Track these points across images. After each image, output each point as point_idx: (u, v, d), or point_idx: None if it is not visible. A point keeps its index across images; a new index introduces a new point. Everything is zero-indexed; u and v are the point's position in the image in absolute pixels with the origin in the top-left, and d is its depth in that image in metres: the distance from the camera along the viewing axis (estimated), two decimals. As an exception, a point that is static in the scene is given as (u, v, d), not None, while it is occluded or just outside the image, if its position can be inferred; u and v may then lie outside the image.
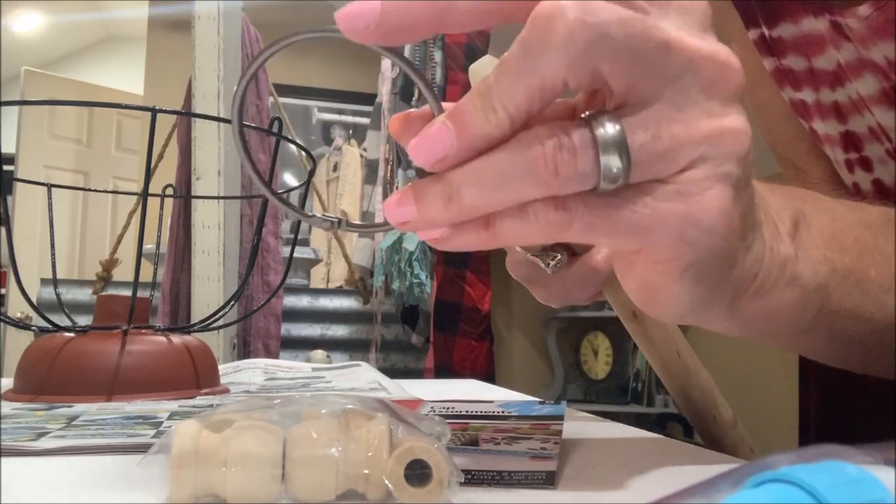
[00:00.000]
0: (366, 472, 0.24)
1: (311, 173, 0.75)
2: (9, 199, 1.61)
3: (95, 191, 0.93)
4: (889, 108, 0.48)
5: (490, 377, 2.55)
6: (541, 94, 0.23)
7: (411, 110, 0.27)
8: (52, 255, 0.70)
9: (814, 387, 0.67)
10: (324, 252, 3.18)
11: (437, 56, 2.54)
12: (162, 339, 0.58)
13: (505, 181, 0.23)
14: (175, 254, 1.81)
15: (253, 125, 0.79)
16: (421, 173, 0.25)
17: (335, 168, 3.57)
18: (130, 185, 3.82)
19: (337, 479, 0.24)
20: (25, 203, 3.57)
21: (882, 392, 0.48)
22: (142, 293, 0.60)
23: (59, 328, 0.58)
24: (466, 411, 0.41)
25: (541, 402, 0.42)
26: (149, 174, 0.59)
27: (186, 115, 1.71)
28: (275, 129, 0.61)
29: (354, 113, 3.82)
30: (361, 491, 0.24)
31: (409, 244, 2.35)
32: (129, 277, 0.65)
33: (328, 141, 3.79)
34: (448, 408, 0.42)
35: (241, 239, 1.65)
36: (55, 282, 0.70)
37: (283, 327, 2.04)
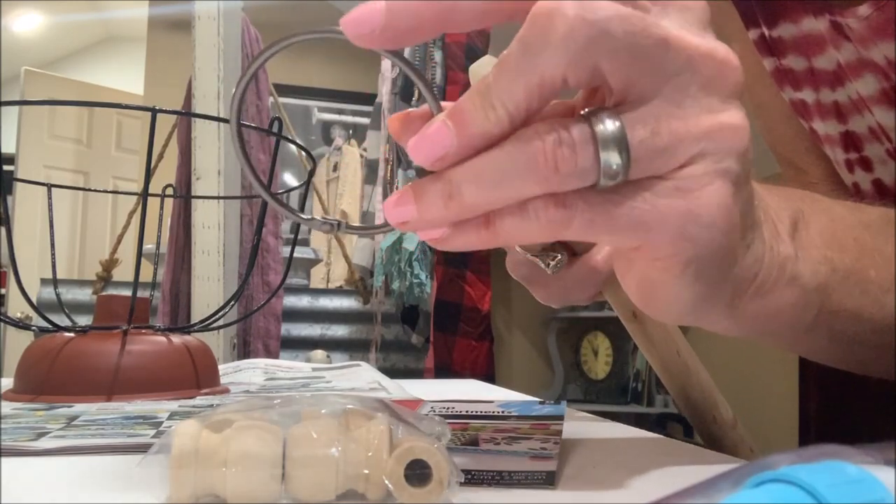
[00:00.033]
0: (366, 472, 0.24)
1: (311, 173, 0.75)
2: (9, 199, 1.61)
3: (95, 191, 0.93)
4: (889, 108, 0.48)
5: (490, 377, 2.55)
6: (540, 92, 0.23)
7: (410, 109, 0.27)
8: (52, 255, 0.70)
9: (814, 387, 0.67)
10: (324, 252, 3.18)
11: (437, 56, 2.55)
12: (162, 339, 0.58)
13: (505, 178, 0.23)
14: (175, 254, 1.81)
15: (253, 125, 0.79)
16: (421, 173, 0.25)
17: (335, 168, 3.57)
18: (130, 185, 3.82)
19: (337, 479, 0.24)
20: (25, 203, 3.57)
21: (882, 392, 0.48)
22: (142, 293, 0.60)
23: (59, 328, 0.58)
24: (466, 411, 0.41)
25: (541, 402, 0.42)
26: (149, 174, 0.59)
27: (186, 115, 1.71)
28: (275, 129, 0.61)
29: (354, 113, 3.82)
30: (361, 491, 0.24)
31: (409, 244, 2.35)
32: (129, 277, 0.65)
33: (328, 141, 3.79)
34: (448, 408, 0.42)
35: (241, 239, 1.65)
36: (55, 282, 0.70)
37: (283, 327, 2.04)
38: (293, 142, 0.71)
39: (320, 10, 3.07)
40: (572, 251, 0.37)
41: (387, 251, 2.40)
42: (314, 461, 0.24)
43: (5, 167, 2.37)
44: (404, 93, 2.51)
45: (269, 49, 0.26)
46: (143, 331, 0.59)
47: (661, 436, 0.42)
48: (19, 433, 0.38)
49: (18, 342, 2.89)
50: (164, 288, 1.81)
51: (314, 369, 0.79)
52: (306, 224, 0.28)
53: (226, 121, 0.87)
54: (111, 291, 2.18)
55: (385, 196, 2.56)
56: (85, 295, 2.26)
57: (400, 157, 2.48)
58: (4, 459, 0.33)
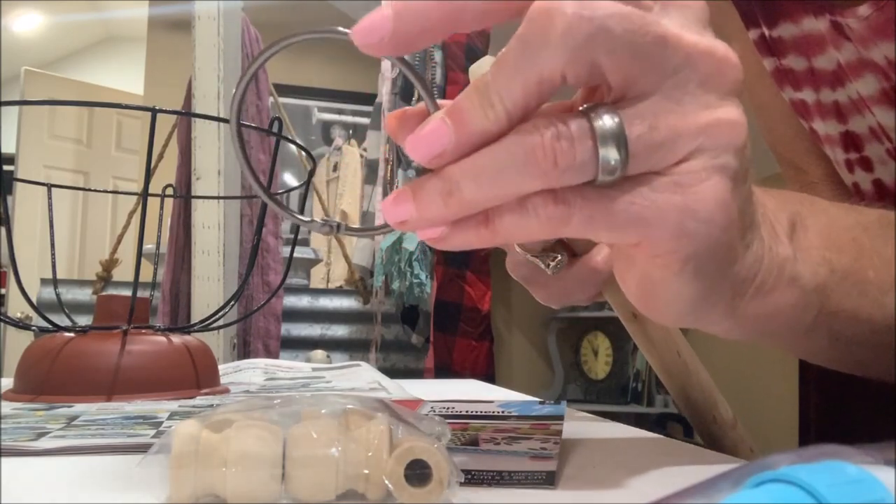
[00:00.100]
0: (366, 472, 0.24)
1: (311, 173, 0.75)
2: (9, 199, 1.61)
3: (95, 191, 0.93)
4: (889, 108, 0.48)
5: (490, 377, 2.55)
6: (538, 89, 0.23)
7: (407, 108, 0.27)
8: (52, 255, 0.70)
9: (814, 387, 0.67)
10: (324, 252, 3.18)
11: (437, 56, 2.55)
12: (162, 339, 0.58)
13: (504, 173, 0.23)
14: (175, 254, 1.81)
15: (253, 125, 0.79)
16: (421, 174, 0.25)
17: (335, 168, 3.57)
18: (130, 185, 3.82)
19: (337, 479, 0.24)
20: (25, 203, 3.57)
21: (882, 393, 0.48)
22: (142, 293, 0.60)
23: (59, 328, 0.58)
24: (466, 411, 0.41)
25: (541, 402, 0.42)
26: (149, 174, 0.59)
27: (186, 115, 1.71)
28: (275, 129, 0.61)
29: (354, 113, 3.82)
30: (361, 491, 0.24)
31: (409, 244, 2.35)
32: (129, 277, 0.65)
33: (328, 141, 3.79)
34: (448, 408, 0.42)
35: (241, 239, 1.65)
36: (55, 282, 0.70)
37: (283, 327, 2.04)
38: (293, 142, 0.71)
39: (320, 10, 3.07)
40: (572, 252, 0.37)
41: (387, 251, 2.40)
42: (314, 461, 0.24)
43: (5, 167, 2.38)
44: (404, 93, 2.51)
45: (269, 49, 0.26)
46: (143, 331, 0.59)
47: (661, 436, 0.42)
48: (19, 433, 0.39)
49: (18, 342, 2.89)
50: (164, 288, 1.81)
51: (314, 369, 0.79)
52: (305, 226, 0.28)
53: (226, 121, 0.87)
54: (111, 291, 2.18)
55: (385, 196, 2.55)
56: (85, 295, 2.26)
57: (400, 157, 2.48)
58: (4, 459, 0.33)
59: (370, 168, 2.76)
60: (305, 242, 2.95)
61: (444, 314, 2.55)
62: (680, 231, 0.24)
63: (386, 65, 2.62)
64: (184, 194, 1.67)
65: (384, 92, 2.59)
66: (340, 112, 3.88)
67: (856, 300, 0.33)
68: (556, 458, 0.31)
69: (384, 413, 0.26)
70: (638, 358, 3.17)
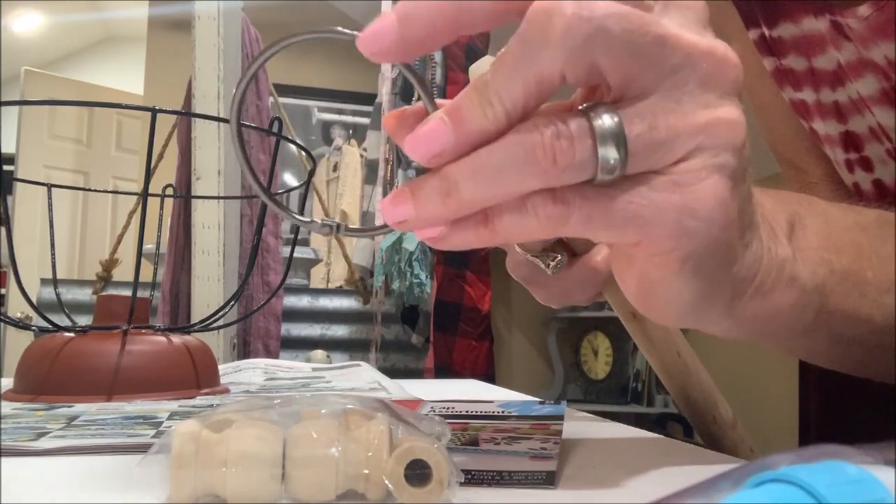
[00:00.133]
0: (366, 472, 0.24)
1: (311, 173, 0.75)
2: (9, 199, 1.61)
3: (95, 191, 0.93)
4: (889, 108, 0.48)
5: (490, 377, 2.55)
6: (538, 89, 0.23)
7: (406, 107, 0.27)
8: (52, 255, 0.70)
9: (814, 387, 0.67)
10: (324, 252, 3.18)
11: (437, 56, 2.55)
12: (162, 339, 0.58)
13: (503, 172, 0.23)
14: (175, 254, 1.81)
15: (253, 125, 0.79)
16: (421, 174, 0.25)
17: (335, 168, 3.57)
18: (130, 185, 3.82)
19: (337, 479, 0.24)
20: (25, 203, 3.57)
21: (882, 393, 0.48)
22: (142, 293, 0.60)
23: (59, 328, 0.58)
24: (466, 411, 0.41)
25: (541, 402, 0.42)
26: (149, 174, 0.59)
27: (186, 115, 1.71)
28: (275, 129, 0.61)
29: (354, 113, 3.82)
30: (361, 491, 0.24)
31: (409, 244, 2.35)
32: (129, 277, 0.65)
33: (328, 141, 3.79)
34: (448, 408, 0.42)
35: (241, 239, 1.65)
36: (55, 282, 0.70)
37: (283, 327, 2.04)
38: (293, 142, 0.71)
39: (320, 10, 3.07)
40: (572, 252, 0.37)
41: (387, 251, 2.40)
42: (314, 461, 0.24)
43: (5, 167, 2.38)
44: (404, 93, 2.51)
45: (269, 49, 0.26)
46: (143, 331, 0.59)
47: (661, 436, 0.42)
48: (19, 433, 0.39)
49: (18, 342, 2.89)
50: (164, 288, 1.81)
51: (314, 369, 0.79)
52: (305, 227, 0.28)
53: (226, 121, 0.87)
54: (111, 291, 2.18)
55: (385, 196, 2.55)
56: (85, 295, 2.26)
57: (400, 157, 2.48)
58: (4, 459, 0.33)
59: (370, 168, 2.76)
60: (305, 242, 2.95)
61: (444, 314, 2.55)
62: (679, 230, 0.24)
63: (386, 65, 2.62)
64: (184, 194, 1.67)
65: (384, 92, 2.59)
66: (340, 112, 3.88)
67: (855, 300, 0.33)
68: (556, 458, 0.31)
69: (384, 413, 0.26)
70: (638, 358, 3.17)
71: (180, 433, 0.24)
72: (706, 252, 0.25)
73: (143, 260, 0.65)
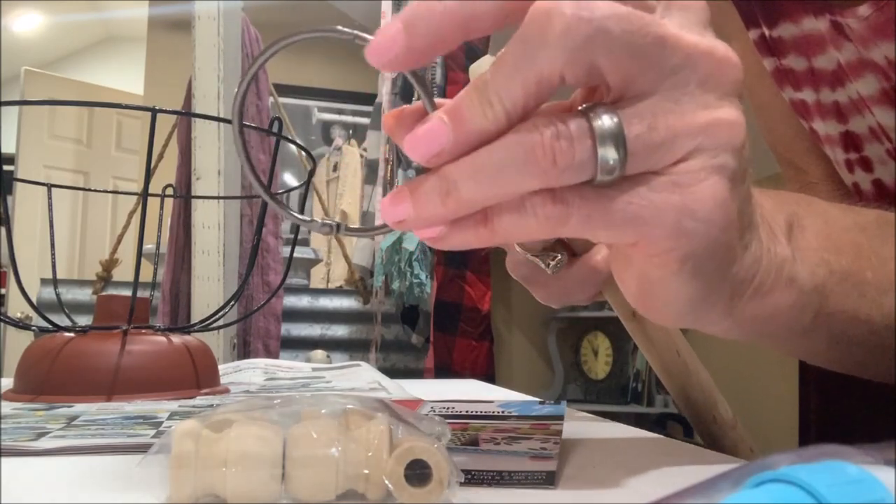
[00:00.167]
0: (366, 472, 0.24)
1: (311, 173, 0.75)
2: (9, 199, 1.61)
3: (95, 191, 0.93)
4: (889, 108, 0.48)
5: (490, 377, 2.55)
6: (537, 89, 0.23)
7: (405, 106, 0.27)
8: (52, 255, 0.70)
9: (814, 387, 0.67)
10: (324, 252, 3.18)
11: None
12: (162, 339, 0.58)
13: (502, 172, 0.23)
14: (175, 254, 1.81)
15: (253, 125, 0.79)
16: (421, 174, 0.25)
17: (335, 168, 3.57)
18: (130, 185, 3.82)
19: (337, 479, 0.24)
20: (25, 203, 3.57)
21: (882, 393, 0.48)
22: (142, 293, 0.60)
23: (59, 328, 0.58)
24: (466, 411, 0.41)
25: (541, 402, 0.42)
26: (149, 174, 0.59)
27: (186, 115, 1.71)
28: (275, 129, 0.61)
29: (354, 113, 3.82)
30: (361, 491, 0.24)
31: (409, 244, 2.35)
32: (129, 277, 0.65)
33: (328, 141, 3.79)
34: (448, 408, 0.42)
35: (241, 239, 1.65)
36: (55, 282, 0.70)
37: (283, 327, 2.04)
38: (293, 142, 0.71)
39: (320, 10, 3.07)
40: (572, 251, 0.37)
41: (387, 251, 2.40)
42: (314, 461, 0.24)
43: (5, 167, 2.38)
44: (404, 93, 2.51)
45: (270, 48, 0.26)
46: (143, 331, 0.59)
47: (661, 436, 0.42)
48: (19, 433, 0.38)
49: (18, 342, 2.89)
50: (164, 288, 1.81)
51: (314, 369, 0.79)
52: (306, 226, 0.28)
53: (226, 121, 0.87)
54: (111, 291, 2.18)
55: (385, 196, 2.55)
56: (85, 295, 2.26)
57: (400, 157, 2.48)
58: (4, 459, 0.33)
59: (370, 168, 2.76)
60: (305, 242, 2.95)
61: (444, 314, 2.55)
62: (678, 230, 0.24)
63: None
64: (184, 194, 1.67)
65: (384, 92, 2.59)
66: (340, 112, 3.88)
67: (854, 301, 0.33)
68: (556, 458, 0.31)
69: (384, 413, 0.26)
70: (638, 358, 3.17)
71: (180, 433, 0.24)
72: (705, 253, 0.25)
73: (143, 260, 0.65)
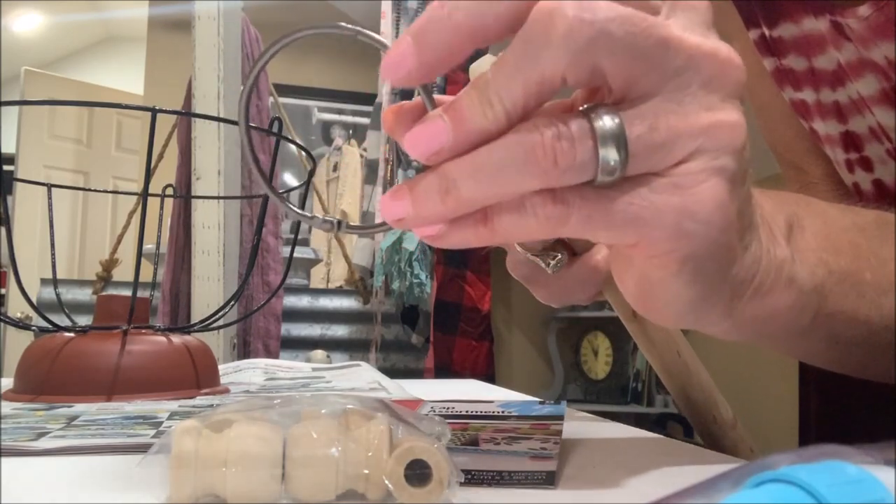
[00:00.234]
0: (366, 472, 0.24)
1: (311, 173, 0.75)
2: (9, 199, 1.61)
3: (95, 191, 0.93)
4: (889, 108, 0.48)
5: (490, 377, 2.55)
6: (538, 90, 0.23)
7: (404, 102, 0.27)
8: (52, 255, 0.70)
9: (814, 387, 0.67)
10: (324, 252, 3.18)
11: (437, 56, 2.54)
12: (162, 339, 0.58)
13: (503, 171, 0.23)
14: (175, 254, 1.81)
15: (254, 125, 0.79)
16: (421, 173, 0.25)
17: (335, 168, 3.57)
18: (130, 185, 3.82)
19: (337, 479, 0.24)
20: (25, 203, 3.57)
21: (882, 393, 0.48)
22: (142, 293, 0.60)
23: (59, 328, 0.58)
24: (466, 411, 0.41)
25: (541, 402, 0.42)
26: (149, 174, 0.59)
27: (186, 115, 1.71)
28: (275, 129, 0.61)
29: (354, 113, 3.82)
30: (361, 491, 0.24)
31: (410, 244, 2.35)
32: (129, 277, 0.65)
33: (328, 141, 3.79)
34: (448, 408, 0.42)
35: (241, 239, 1.65)
36: (55, 282, 0.70)
37: (283, 327, 2.04)
38: (293, 142, 0.71)
39: (320, 10, 3.07)
40: (572, 251, 0.37)
41: (387, 251, 2.40)
42: (314, 461, 0.24)
43: (5, 167, 2.37)
44: (404, 93, 2.51)
45: (273, 46, 0.26)
46: (143, 331, 0.59)
47: (661, 436, 0.42)
48: (19, 433, 0.38)
49: (18, 342, 2.89)
50: (164, 288, 1.81)
51: (314, 369, 0.79)
52: (308, 222, 0.28)
53: (226, 121, 0.87)
54: (111, 291, 2.18)
55: (385, 196, 2.54)
56: (85, 295, 2.26)
57: (400, 157, 2.48)
58: (4, 459, 0.33)
59: (370, 168, 2.76)
60: (305, 242, 2.95)
61: (444, 314, 2.55)
62: (678, 232, 0.24)
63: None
64: (184, 194, 1.67)
65: (384, 92, 2.59)
66: (340, 112, 3.88)
67: (853, 301, 0.33)
68: (556, 458, 0.31)
69: (384, 413, 0.26)
70: (638, 358, 3.17)
71: (180, 433, 0.24)
72: (705, 254, 0.25)
73: (143, 260, 0.65)
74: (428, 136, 0.24)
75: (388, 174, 2.55)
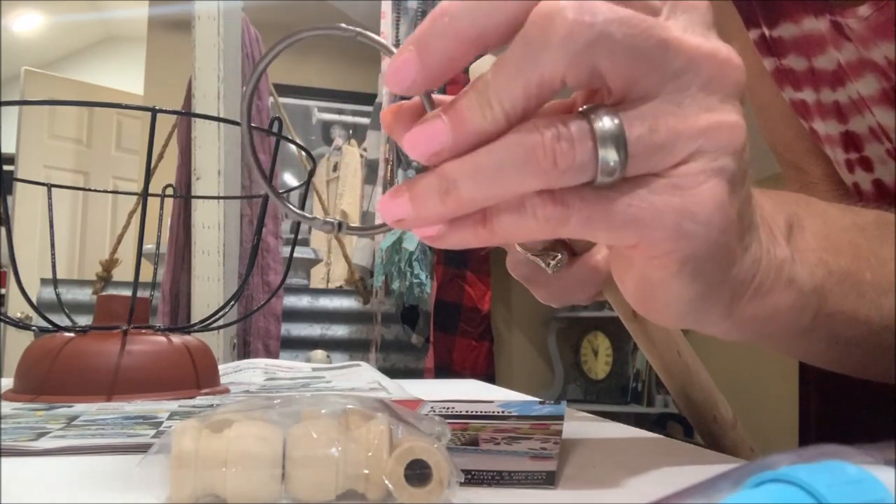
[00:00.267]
0: (366, 472, 0.24)
1: (311, 173, 0.75)
2: (9, 199, 1.61)
3: (95, 191, 0.93)
4: (889, 108, 0.48)
5: (490, 377, 2.55)
6: (538, 92, 0.23)
7: (403, 102, 0.27)
8: (52, 255, 0.70)
9: (814, 387, 0.67)
10: (324, 252, 3.18)
11: (437, 56, 2.54)
12: (162, 339, 0.58)
13: (503, 172, 0.23)
14: (175, 254, 1.81)
15: (254, 125, 0.79)
16: (421, 173, 0.25)
17: (335, 168, 3.57)
18: (130, 185, 3.82)
19: (337, 479, 0.24)
20: (25, 203, 3.57)
21: (882, 393, 0.48)
22: (142, 293, 0.60)
23: (59, 328, 0.58)
24: (466, 411, 0.41)
25: (541, 402, 0.42)
26: (149, 174, 0.59)
27: (186, 115, 1.71)
28: (275, 129, 0.61)
29: (354, 113, 3.82)
30: (361, 491, 0.24)
31: (410, 244, 2.35)
32: (129, 277, 0.65)
33: (328, 141, 3.79)
34: (448, 408, 0.42)
35: (241, 239, 1.65)
36: (55, 282, 0.70)
37: (283, 327, 2.04)
38: (293, 142, 0.71)
39: (320, 10, 3.07)
40: (572, 251, 0.37)
41: (387, 251, 2.40)
42: (314, 461, 0.24)
43: (5, 167, 2.38)
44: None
45: (274, 48, 0.26)
46: (143, 331, 0.59)
47: (661, 436, 0.42)
48: (19, 433, 0.38)
49: (18, 342, 2.89)
50: (164, 288, 1.81)
51: (314, 369, 0.79)
52: (308, 223, 0.28)
53: (226, 121, 0.87)
54: (111, 291, 2.18)
55: (385, 196, 2.54)
56: (85, 295, 2.26)
57: (400, 157, 2.48)
58: (4, 459, 0.33)
59: (370, 168, 2.76)
60: (305, 242, 2.95)
61: (444, 314, 2.55)
62: (677, 232, 0.24)
63: (386, 64, 2.62)
64: (184, 194, 1.67)
65: (384, 92, 2.59)
66: (340, 112, 3.88)
67: (853, 302, 0.33)
68: (556, 458, 0.31)
69: (384, 413, 0.26)
70: (638, 358, 3.17)
71: (180, 433, 0.24)
72: (705, 255, 0.25)
73: (143, 260, 0.65)
74: (427, 136, 0.24)
75: (388, 174, 2.55)
